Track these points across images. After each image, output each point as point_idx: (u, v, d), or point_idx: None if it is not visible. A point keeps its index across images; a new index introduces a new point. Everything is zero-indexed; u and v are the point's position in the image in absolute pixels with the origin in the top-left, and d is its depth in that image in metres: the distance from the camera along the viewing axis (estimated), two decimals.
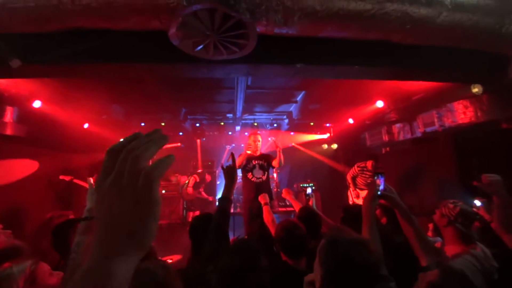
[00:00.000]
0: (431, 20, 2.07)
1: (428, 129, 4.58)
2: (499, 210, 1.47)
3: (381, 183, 1.47)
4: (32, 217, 3.73)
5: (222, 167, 1.62)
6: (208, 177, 6.92)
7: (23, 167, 3.97)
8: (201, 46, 2.07)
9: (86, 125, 5.28)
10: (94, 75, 3.02)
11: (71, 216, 1.89)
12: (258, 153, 3.96)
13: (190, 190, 6.21)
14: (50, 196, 4.34)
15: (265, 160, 3.98)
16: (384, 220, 2.19)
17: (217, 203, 1.45)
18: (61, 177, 4.28)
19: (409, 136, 5.22)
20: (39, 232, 2.75)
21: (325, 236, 1.14)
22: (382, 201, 1.49)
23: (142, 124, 6.36)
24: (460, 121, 4.02)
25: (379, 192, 1.44)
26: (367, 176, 4.70)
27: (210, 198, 6.84)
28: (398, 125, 5.48)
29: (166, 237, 5.34)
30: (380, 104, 5.00)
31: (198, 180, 6.40)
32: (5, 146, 3.77)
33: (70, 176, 4.32)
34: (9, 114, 3.82)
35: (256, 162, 3.90)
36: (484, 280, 1.29)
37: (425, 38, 2.29)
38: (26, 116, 4.12)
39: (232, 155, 1.69)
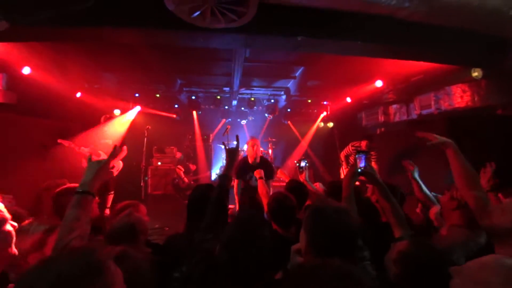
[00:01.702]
0: None
1: (424, 112, 4.59)
2: None
3: (362, 161, 1.55)
4: (25, 186, 3.75)
5: (225, 146, 1.71)
6: (192, 167, 7.23)
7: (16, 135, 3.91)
8: (198, 12, 1.96)
9: (78, 94, 5.14)
10: (85, 39, 2.88)
11: (68, 184, 1.91)
12: (256, 160, 3.61)
13: (186, 179, 6.60)
14: (44, 165, 4.33)
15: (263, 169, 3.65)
16: (375, 196, 2.27)
17: (214, 178, 1.51)
18: (59, 140, 4.23)
19: (405, 117, 5.24)
20: (38, 200, 2.79)
21: (309, 207, 1.20)
22: (362, 178, 1.61)
23: (136, 94, 6.22)
24: (457, 105, 4.03)
25: (359, 170, 1.51)
26: None
27: (206, 174, 7.09)
28: (395, 106, 5.47)
29: (162, 207, 5.48)
30: (379, 83, 4.95)
31: (183, 169, 6.71)
32: None
33: (68, 141, 4.27)
34: None
35: (253, 172, 3.34)
36: None
37: (431, 16, 2.21)
38: (16, 83, 3.97)
39: (237, 137, 1.74)
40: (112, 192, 4.59)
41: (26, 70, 3.93)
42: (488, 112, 3.84)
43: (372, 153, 4.68)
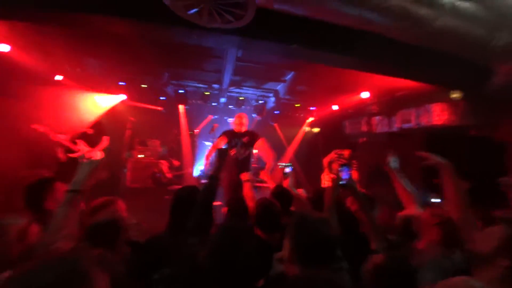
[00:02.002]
0: (428, 22, 2.08)
1: (405, 126, 4.81)
2: None
3: (344, 174, 1.62)
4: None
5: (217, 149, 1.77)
6: (176, 162, 7.12)
7: None
8: (194, 10, 1.93)
9: (60, 77, 4.84)
10: (74, 26, 2.72)
11: (46, 175, 1.82)
12: (243, 130, 3.90)
13: (169, 175, 6.53)
14: (16, 152, 4.05)
15: (249, 138, 3.93)
16: (354, 207, 2.34)
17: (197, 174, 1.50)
18: (33, 125, 3.95)
19: (386, 129, 5.45)
20: (12, 190, 2.60)
21: (294, 216, 1.26)
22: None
23: (122, 83, 5.98)
24: (434, 122, 4.25)
25: (341, 182, 1.59)
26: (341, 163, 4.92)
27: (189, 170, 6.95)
28: (377, 117, 5.67)
29: (139, 201, 5.33)
30: (365, 95, 5.11)
31: (168, 164, 6.67)
32: None
33: (44, 127, 3.99)
34: None
35: (239, 139, 3.87)
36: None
37: (420, 39, 2.31)
38: None
39: (228, 141, 1.77)
40: None
41: (3, 47, 3.65)
42: (463, 131, 4.09)
43: (353, 161, 4.83)
